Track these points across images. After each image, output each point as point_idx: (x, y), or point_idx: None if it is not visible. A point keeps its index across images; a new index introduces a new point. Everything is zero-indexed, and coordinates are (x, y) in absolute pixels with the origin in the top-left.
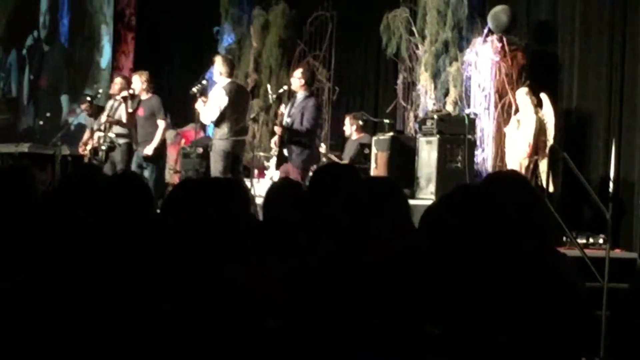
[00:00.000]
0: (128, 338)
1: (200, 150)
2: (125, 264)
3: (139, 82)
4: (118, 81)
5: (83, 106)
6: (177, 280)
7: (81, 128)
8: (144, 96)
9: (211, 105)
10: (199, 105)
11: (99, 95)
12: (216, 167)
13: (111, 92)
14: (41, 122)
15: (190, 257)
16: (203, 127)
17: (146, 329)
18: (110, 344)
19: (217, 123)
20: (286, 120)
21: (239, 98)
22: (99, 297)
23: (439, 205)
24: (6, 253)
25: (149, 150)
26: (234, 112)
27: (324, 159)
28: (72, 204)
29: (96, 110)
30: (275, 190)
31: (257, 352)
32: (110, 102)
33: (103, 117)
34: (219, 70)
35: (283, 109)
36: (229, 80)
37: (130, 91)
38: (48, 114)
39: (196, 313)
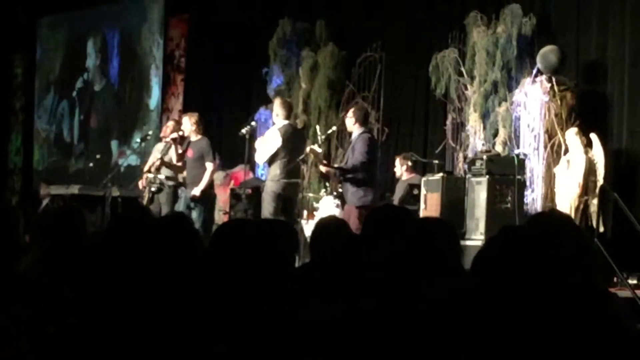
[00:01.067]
0: None
1: (249, 191)
2: (172, 305)
3: (188, 123)
4: (170, 124)
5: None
6: (220, 321)
7: (131, 170)
8: (194, 138)
9: (266, 145)
10: (258, 143)
11: (148, 137)
12: (267, 209)
13: (162, 134)
14: (91, 164)
15: (233, 297)
16: (252, 168)
17: None
18: None
19: (270, 163)
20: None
21: (293, 140)
22: (147, 337)
23: (486, 247)
24: (59, 293)
25: (196, 191)
26: (287, 154)
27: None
28: (121, 246)
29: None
30: (320, 230)
31: None
32: (161, 145)
33: (151, 158)
34: (276, 112)
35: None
36: (285, 122)
37: (180, 133)
38: (98, 156)
39: (239, 354)
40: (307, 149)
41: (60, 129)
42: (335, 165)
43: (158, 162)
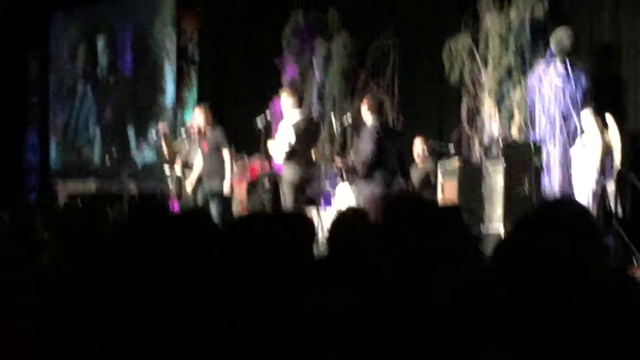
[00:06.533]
0: None
1: (267, 183)
2: (188, 300)
3: (201, 115)
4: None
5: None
6: (238, 315)
7: (147, 168)
8: (208, 130)
9: (281, 142)
10: (270, 145)
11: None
12: (286, 199)
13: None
14: (108, 159)
15: (252, 291)
16: (269, 158)
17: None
18: None
19: (288, 158)
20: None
21: (307, 133)
22: (162, 332)
23: (510, 237)
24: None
25: (224, 186)
26: (302, 146)
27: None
28: (141, 243)
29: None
30: (340, 221)
31: None
32: (186, 142)
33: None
34: (286, 104)
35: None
36: (297, 112)
37: (195, 126)
38: (114, 150)
39: (257, 347)
40: (312, 154)
41: (76, 125)
42: (343, 165)
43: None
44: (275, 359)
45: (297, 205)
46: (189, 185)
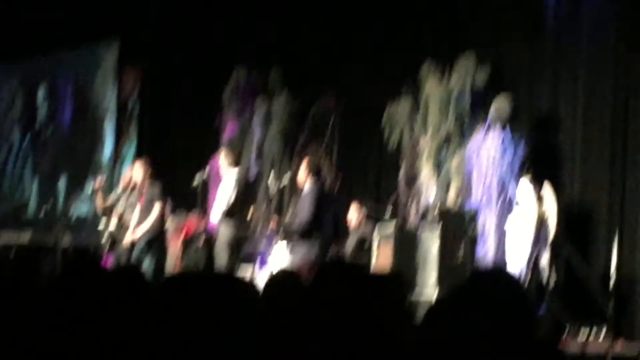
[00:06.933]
0: None
1: (201, 242)
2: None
3: (140, 170)
4: (127, 175)
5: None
6: None
7: (81, 222)
8: (146, 184)
9: (220, 199)
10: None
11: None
12: (220, 258)
13: (123, 183)
14: (43, 209)
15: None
16: (205, 215)
17: None
18: None
19: (227, 214)
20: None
21: (245, 192)
22: None
23: (441, 303)
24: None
25: (139, 232)
26: (240, 206)
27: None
28: (72, 297)
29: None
30: (272, 283)
31: None
32: (121, 195)
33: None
34: (225, 162)
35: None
36: (235, 170)
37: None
38: (50, 201)
39: None
40: (249, 213)
41: (11, 174)
42: (279, 225)
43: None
44: None
45: (231, 265)
46: (128, 237)
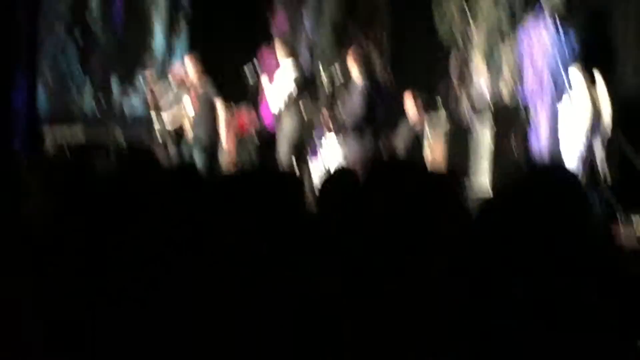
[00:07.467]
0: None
1: (254, 136)
2: (171, 255)
3: (191, 64)
4: (177, 66)
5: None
6: (225, 274)
7: (137, 119)
8: (196, 80)
9: (279, 91)
10: (264, 83)
11: (153, 76)
12: (282, 151)
13: (171, 76)
14: (95, 105)
15: (237, 252)
16: (257, 109)
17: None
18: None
19: (288, 110)
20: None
21: (305, 83)
22: (146, 285)
23: (496, 199)
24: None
25: (222, 139)
26: (301, 97)
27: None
28: (130, 195)
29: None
30: (330, 181)
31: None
32: (165, 86)
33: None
34: (279, 54)
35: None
36: (290, 61)
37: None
38: (101, 96)
39: (245, 309)
40: (323, 112)
41: (63, 70)
42: (331, 119)
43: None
44: (266, 327)
45: (295, 157)
46: (187, 133)
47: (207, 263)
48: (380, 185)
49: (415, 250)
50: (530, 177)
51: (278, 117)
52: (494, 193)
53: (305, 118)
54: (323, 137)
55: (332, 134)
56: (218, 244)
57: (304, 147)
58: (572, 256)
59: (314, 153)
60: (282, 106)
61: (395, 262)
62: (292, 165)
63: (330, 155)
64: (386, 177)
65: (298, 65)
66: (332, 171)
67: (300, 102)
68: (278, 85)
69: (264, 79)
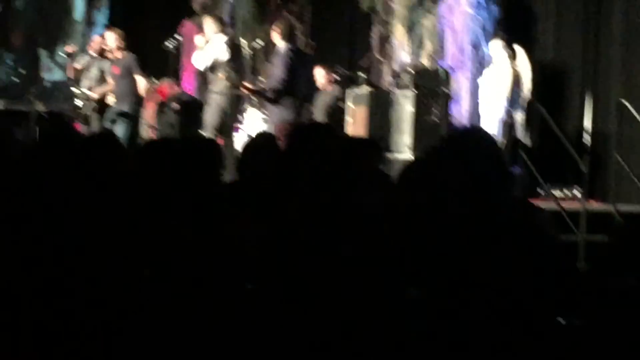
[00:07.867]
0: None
1: (176, 106)
2: (96, 225)
3: (112, 39)
4: (97, 39)
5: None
6: (146, 238)
7: (57, 86)
8: (118, 54)
9: (209, 53)
10: (195, 56)
11: (75, 51)
12: (210, 120)
13: (89, 48)
14: (16, 79)
15: (159, 214)
16: (178, 81)
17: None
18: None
19: (211, 71)
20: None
21: (237, 54)
22: (68, 255)
23: (417, 162)
24: None
25: (116, 100)
26: (233, 68)
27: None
28: (50, 163)
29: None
30: (251, 146)
31: (236, 314)
32: (85, 58)
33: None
34: (211, 29)
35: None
36: (225, 37)
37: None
38: (22, 70)
39: (173, 278)
40: (243, 84)
41: None
42: (255, 88)
43: (108, 91)
44: (193, 288)
45: (224, 127)
46: (108, 103)
47: (126, 231)
48: (301, 148)
49: (333, 214)
50: (450, 140)
51: (203, 80)
52: (415, 157)
53: (230, 91)
54: (246, 108)
55: (255, 104)
56: (136, 210)
57: (228, 118)
58: (490, 216)
59: (238, 124)
60: (207, 66)
61: (315, 227)
62: (215, 136)
63: (253, 125)
64: (307, 141)
65: (229, 42)
66: (252, 137)
67: (225, 75)
68: (210, 49)
69: (187, 51)
